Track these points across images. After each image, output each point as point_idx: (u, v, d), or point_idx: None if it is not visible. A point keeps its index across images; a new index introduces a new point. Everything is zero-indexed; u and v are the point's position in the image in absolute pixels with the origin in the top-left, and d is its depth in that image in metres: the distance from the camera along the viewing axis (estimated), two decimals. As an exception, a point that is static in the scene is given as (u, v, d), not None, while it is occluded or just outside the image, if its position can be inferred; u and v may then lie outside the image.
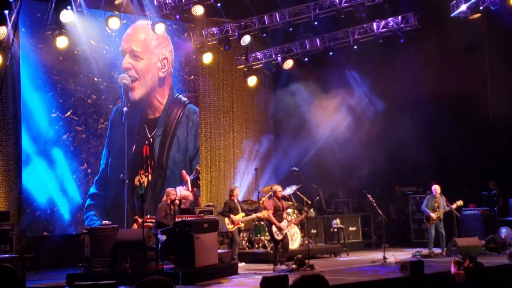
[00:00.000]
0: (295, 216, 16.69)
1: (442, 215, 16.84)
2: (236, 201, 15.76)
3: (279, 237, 14.61)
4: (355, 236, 19.27)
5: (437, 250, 16.66)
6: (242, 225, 15.72)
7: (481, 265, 9.55)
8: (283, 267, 14.28)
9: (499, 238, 16.92)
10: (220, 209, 16.58)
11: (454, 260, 10.07)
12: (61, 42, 15.46)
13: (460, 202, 16.77)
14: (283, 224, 14.66)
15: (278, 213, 14.73)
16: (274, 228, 14.59)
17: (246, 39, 18.64)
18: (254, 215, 16.00)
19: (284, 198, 17.32)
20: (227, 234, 16.30)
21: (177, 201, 13.98)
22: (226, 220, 15.45)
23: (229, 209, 15.51)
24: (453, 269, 9.74)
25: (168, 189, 14.83)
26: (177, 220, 13.57)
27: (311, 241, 17.24)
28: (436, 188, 16.95)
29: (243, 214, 15.67)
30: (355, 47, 18.88)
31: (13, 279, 4.98)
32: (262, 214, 15.31)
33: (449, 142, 19.22)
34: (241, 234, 16.14)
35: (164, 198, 14.57)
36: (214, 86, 20.70)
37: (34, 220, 16.82)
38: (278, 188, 15.18)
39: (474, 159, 18.83)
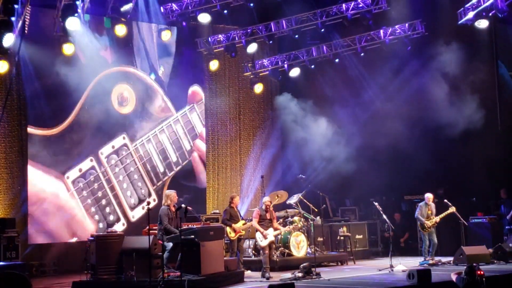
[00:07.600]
0: (301, 224, 16.69)
1: (435, 223, 16.69)
2: (236, 209, 15.68)
3: (262, 243, 14.90)
4: (362, 244, 19.16)
5: (445, 259, 16.53)
6: (243, 233, 15.63)
7: (481, 276, 9.38)
8: (267, 274, 14.44)
9: (507, 247, 16.79)
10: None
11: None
12: (68, 49, 15.47)
13: (452, 209, 16.56)
14: (268, 232, 14.96)
15: (264, 222, 15.15)
16: (258, 235, 15.01)
17: (252, 47, 18.64)
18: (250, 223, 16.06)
19: (290, 206, 17.30)
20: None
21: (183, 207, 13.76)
22: (228, 229, 15.24)
23: (230, 216, 15.42)
24: (453, 277, 9.73)
25: (168, 192, 14.04)
26: (183, 227, 13.43)
27: (317, 249, 17.17)
28: (428, 196, 16.86)
29: (243, 221, 15.59)
30: (362, 54, 18.87)
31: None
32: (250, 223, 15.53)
33: (456, 150, 19.14)
34: (241, 241, 15.95)
35: (165, 202, 13.81)
36: (220, 93, 20.67)
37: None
38: (266, 199, 15.60)
39: (482, 167, 18.74)
